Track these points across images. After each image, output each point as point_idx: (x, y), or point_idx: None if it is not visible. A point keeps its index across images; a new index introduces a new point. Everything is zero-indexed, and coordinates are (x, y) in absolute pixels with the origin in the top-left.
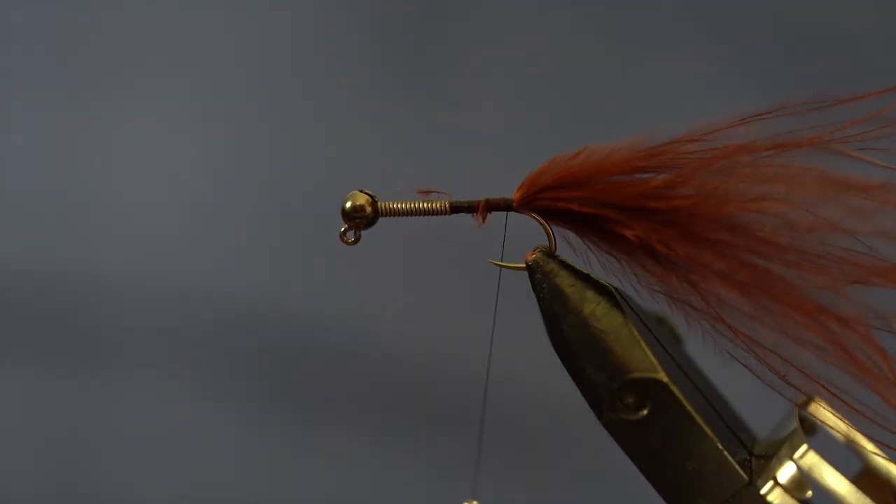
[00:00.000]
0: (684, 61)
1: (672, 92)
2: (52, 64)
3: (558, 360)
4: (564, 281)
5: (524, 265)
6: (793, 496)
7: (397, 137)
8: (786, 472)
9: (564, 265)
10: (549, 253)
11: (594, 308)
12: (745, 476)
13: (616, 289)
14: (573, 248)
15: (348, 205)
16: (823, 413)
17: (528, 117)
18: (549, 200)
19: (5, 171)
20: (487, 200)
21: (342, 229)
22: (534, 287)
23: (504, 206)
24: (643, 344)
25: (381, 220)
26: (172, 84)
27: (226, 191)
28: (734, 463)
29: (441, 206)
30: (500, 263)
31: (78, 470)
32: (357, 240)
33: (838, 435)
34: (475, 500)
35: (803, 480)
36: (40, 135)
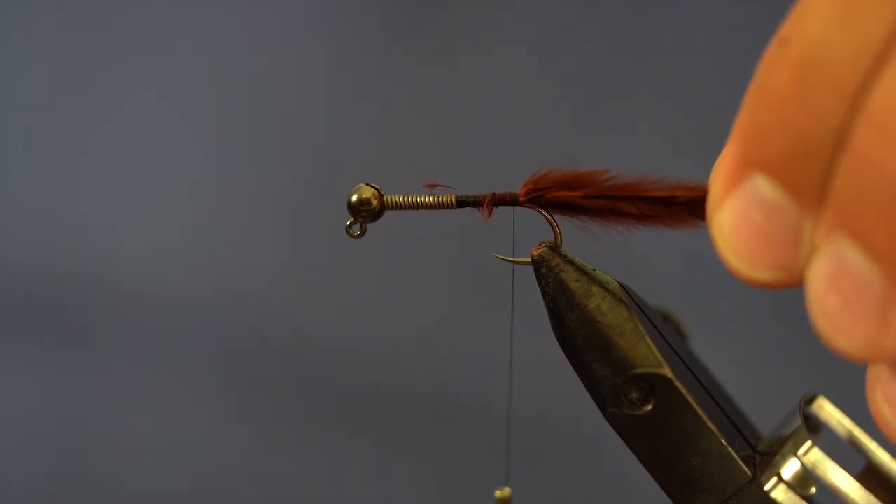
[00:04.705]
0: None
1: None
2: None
3: (563, 355)
4: (570, 276)
5: (529, 260)
6: (796, 493)
7: (400, 133)
8: (789, 468)
9: (570, 260)
10: (555, 248)
11: (599, 303)
12: (748, 472)
13: (622, 284)
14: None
15: (354, 198)
16: (827, 410)
17: (535, 111)
18: (556, 195)
19: (8, 169)
20: (494, 194)
21: (348, 223)
22: (539, 282)
23: (511, 200)
24: (648, 339)
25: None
26: (180, 77)
27: (230, 187)
28: (738, 459)
29: (447, 200)
30: (506, 258)
31: (78, 470)
32: (363, 233)
33: (842, 432)
34: (507, 487)
35: (807, 477)
36: (43, 133)
